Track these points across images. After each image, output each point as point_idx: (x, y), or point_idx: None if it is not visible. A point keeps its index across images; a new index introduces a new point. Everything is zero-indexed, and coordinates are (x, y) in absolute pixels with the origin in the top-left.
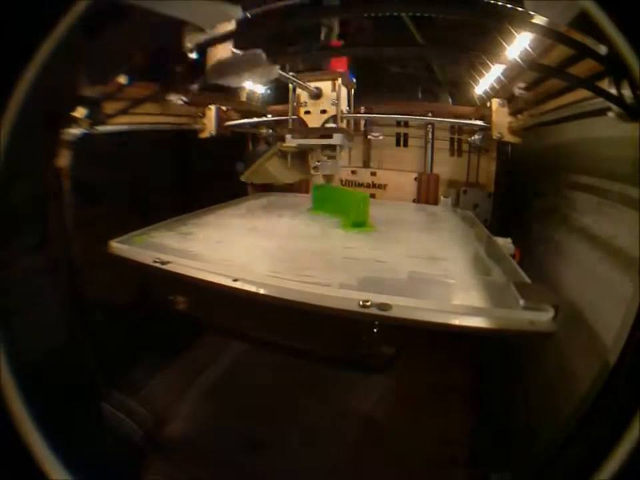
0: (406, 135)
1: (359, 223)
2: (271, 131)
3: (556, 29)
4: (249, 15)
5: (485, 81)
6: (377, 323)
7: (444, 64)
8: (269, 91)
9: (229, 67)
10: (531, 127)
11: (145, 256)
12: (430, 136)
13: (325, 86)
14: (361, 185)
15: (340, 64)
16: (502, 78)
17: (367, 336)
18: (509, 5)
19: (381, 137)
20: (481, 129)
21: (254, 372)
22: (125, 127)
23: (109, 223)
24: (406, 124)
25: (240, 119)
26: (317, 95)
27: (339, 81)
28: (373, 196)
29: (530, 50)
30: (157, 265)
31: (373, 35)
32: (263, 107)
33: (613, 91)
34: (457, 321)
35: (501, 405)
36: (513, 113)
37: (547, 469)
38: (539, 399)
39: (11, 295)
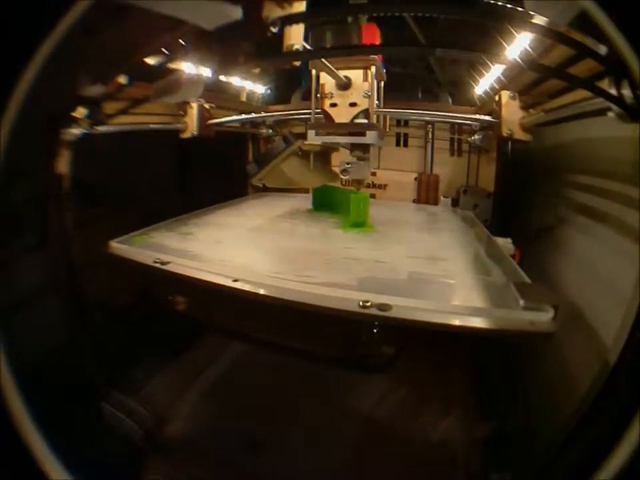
0: (406, 134)
1: (359, 223)
2: (271, 130)
3: (556, 29)
4: None
5: (485, 81)
6: (376, 323)
7: (444, 64)
8: (269, 91)
9: (162, 89)
10: (540, 125)
11: (145, 256)
12: (430, 136)
13: (355, 75)
14: None
15: (373, 36)
16: (502, 78)
17: (367, 336)
18: (508, 5)
19: None
20: (482, 128)
21: (254, 372)
22: (125, 127)
23: (109, 223)
24: (406, 124)
25: (228, 117)
26: (345, 84)
27: (373, 69)
28: (373, 196)
29: (530, 50)
30: (157, 265)
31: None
32: (263, 107)
33: (613, 91)
34: (457, 322)
35: (501, 405)
36: (525, 107)
37: (547, 469)
38: (538, 399)
39: (11, 295)
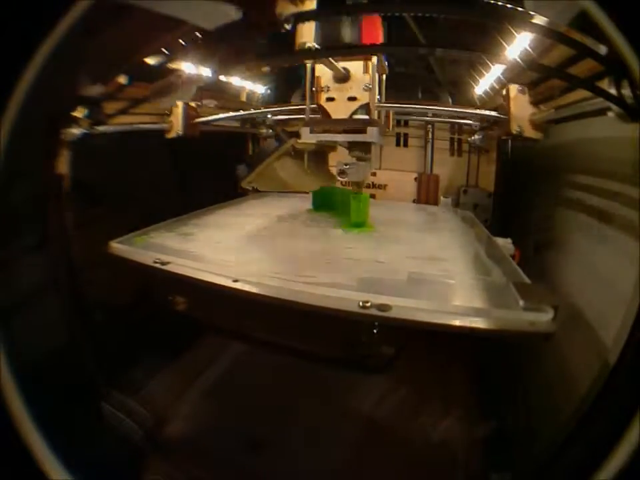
0: (406, 134)
1: (359, 223)
2: (271, 130)
3: (556, 29)
4: None
5: (485, 81)
6: (376, 323)
7: (444, 64)
8: (269, 91)
9: (160, 91)
10: (556, 120)
11: (145, 256)
12: (430, 136)
13: (355, 67)
14: None
15: (375, 37)
16: (502, 78)
17: (367, 336)
18: (509, 5)
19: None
20: (482, 128)
21: (254, 372)
22: (125, 127)
23: (109, 223)
24: (406, 123)
25: (214, 116)
26: (343, 77)
27: (374, 60)
28: (373, 196)
29: (530, 50)
30: (157, 265)
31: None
32: (264, 107)
33: (613, 91)
34: (457, 322)
35: (501, 405)
36: (535, 103)
37: (547, 468)
38: (538, 399)
39: (11, 295)
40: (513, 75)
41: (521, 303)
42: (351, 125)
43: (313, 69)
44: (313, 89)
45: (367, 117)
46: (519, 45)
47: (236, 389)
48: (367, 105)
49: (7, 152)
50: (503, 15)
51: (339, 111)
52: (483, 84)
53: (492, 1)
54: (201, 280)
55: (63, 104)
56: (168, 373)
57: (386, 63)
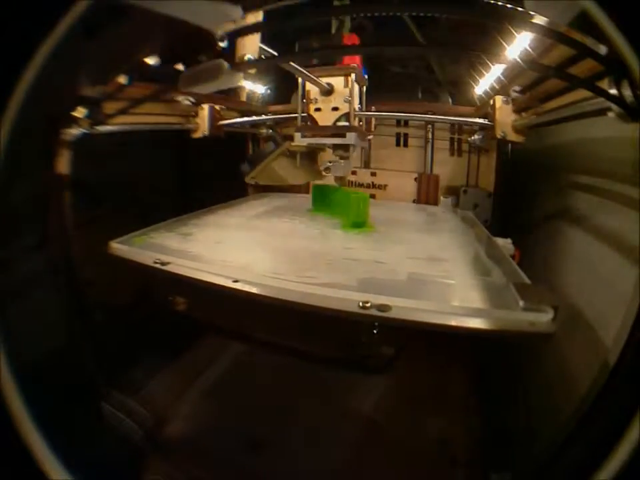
0: (406, 134)
1: (359, 224)
2: (271, 130)
3: (556, 29)
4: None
5: (485, 81)
6: (376, 324)
7: (444, 64)
8: (269, 91)
9: (194, 77)
10: (535, 126)
11: (145, 257)
12: (430, 136)
13: (337, 82)
14: (361, 185)
15: (353, 57)
16: (502, 78)
17: (367, 337)
18: (509, 5)
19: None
20: (482, 128)
21: (254, 372)
22: (125, 127)
23: (109, 222)
24: (406, 124)
25: (238, 119)
26: (328, 91)
27: (352, 76)
28: (373, 196)
29: (530, 50)
30: (157, 265)
31: (374, 34)
32: (264, 107)
33: (613, 91)
34: (457, 322)
35: (501, 404)
36: (517, 111)
37: (547, 468)
38: (538, 399)
39: (11, 295)
40: (513, 74)
41: (521, 303)
42: (334, 131)
43: (303, 84)
44: (304, 100)
45: (347, 123)
46: (519, 44)
47: (236, 389)
48: (347, 113)
49: (7, 152)
50: (503, 15)
51: (325, 119)
52: (483, 84)
53: (492, 1)
54: (201, 280)
55: (63, 104)
56: (168, 373)
57: (365, 76)
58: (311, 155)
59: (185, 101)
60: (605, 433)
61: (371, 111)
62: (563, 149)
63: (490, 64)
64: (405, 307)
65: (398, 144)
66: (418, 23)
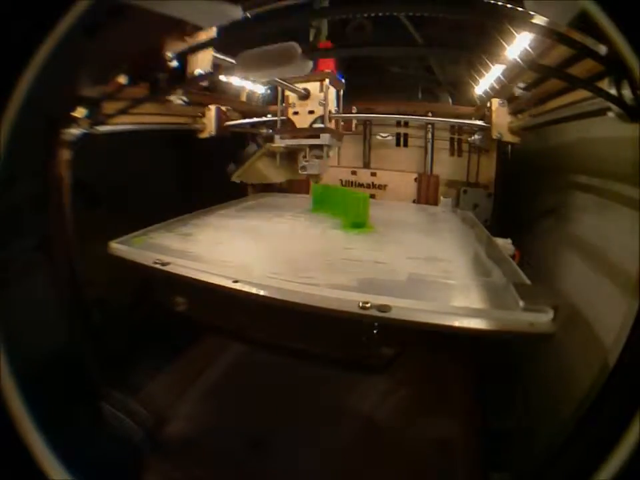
0: (406, 135)
1: (359, 224)
2: (271, 131)
3: (556, 29)
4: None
5: (485, 81)
6: (376, 324)
7: (444, 64)
8: (268, 91)
9: (259, 60)
10: (530, 127)
11: (145, 257)
12: (430, 136)
13: (313, 87)
14: (361, 185)
15: (327, 64)
16: (502, 78)
17: (367, 337)
18: (509, 5)
19: (389, 137)
20: (481, 128)
21: (254, 372)
22: (125, 127)
23: (109, 222)
24: (406, 124)
25: (240, 119)
26: (305, 95)
27: (326, 81)
28: (373, 196)
29: (530, 50)
30: (157, 266)
31: (372, 34)
32: (264, 107)
33: (613, 91)
34: (457, 323)
35: (501, 404)
36: (513, 113)
37: (547, 468)
38: (538, 399)
39: (11, 295)
40: (513, 75)
41: (521, 303)
42: (309, 132)
43: (282, 91)
44: (283, 104)
45: (322, 125)
46: (519, 44)
47: (236, 388)
48: (322, 116)
49: (7, 152)
50: (503, 15)
51: (302, 121)
52: (483, 84)
53: (492, 1)
54: (201, 280)
55: (63, 104)
56: (168, 372)
57: (342, 80)
58: (291, 154)
59: (177, 100)
60: (604, 433)
61: (352, 112)
62: (563, 149)
63: (490, 64)
64: (405, 308)
65: (398, 144)
66: (418, 23)
